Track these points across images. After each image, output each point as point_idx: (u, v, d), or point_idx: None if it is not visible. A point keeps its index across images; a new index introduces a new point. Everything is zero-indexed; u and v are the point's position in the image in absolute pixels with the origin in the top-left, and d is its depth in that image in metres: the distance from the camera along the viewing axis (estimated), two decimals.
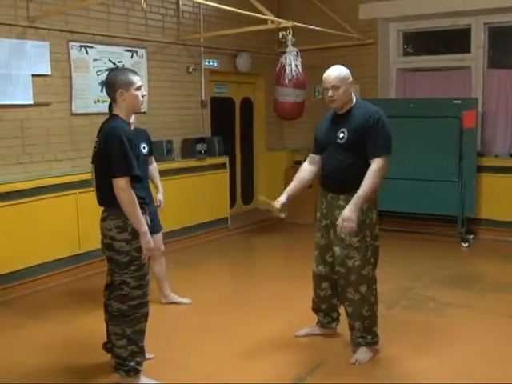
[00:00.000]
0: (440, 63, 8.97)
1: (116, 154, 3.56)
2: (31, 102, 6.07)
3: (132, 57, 7.25)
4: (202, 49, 8.35)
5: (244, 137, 9.88)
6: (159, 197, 5.49)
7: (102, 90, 6.78)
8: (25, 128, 6.03)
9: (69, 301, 5.68)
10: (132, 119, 5.01)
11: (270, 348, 4.50)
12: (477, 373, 4.04)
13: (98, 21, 6.78)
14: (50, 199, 6.00)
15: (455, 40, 9.05)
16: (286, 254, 7.76)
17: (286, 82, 7.83)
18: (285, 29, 7.46)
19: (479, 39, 8.50)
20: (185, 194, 7.65)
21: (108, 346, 4.03)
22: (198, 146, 8.00)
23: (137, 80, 3.76)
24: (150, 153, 5.40)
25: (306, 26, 7.54)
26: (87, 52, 6.69)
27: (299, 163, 9.53)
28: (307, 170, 4.56)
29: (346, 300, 4.28)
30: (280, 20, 6.95)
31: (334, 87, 4.15)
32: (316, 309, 4.65)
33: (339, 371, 4.12)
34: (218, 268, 6.92)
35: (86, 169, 6.09)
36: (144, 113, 7.18)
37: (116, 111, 3.78)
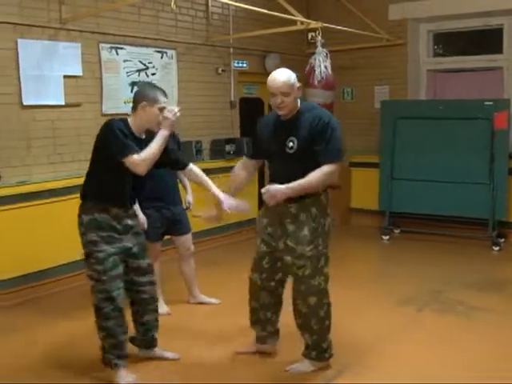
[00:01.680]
0: (471, 64, 8.88)
1: (113, 141, 3.73)
2: (63, 103, 6.15)
3: (162, 58, 7.30)
4: (231, 50, 8.38)
5: None
6: (188, 198, 5.48)
7: (131, 91, 6.84)
8: (56, 128, 6.11)
9: None
10: None
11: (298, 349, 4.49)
12: (504, 378, 3.98)
13: (128, 22, 6.84)
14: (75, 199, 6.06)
15: (487, 40, 8.95)
16: None
17: (315, 83, 7.79)
18: (314, 30, 7.45)
19: None
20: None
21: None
22: (227, 147, 8.02)
23: (163, 101, 3.86)
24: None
25: (335, 26, 7.52)
26: (117, 53, 6.75)
27: None
28: (242, 177, 4.21)
29: (296, 312, 4.08)
30: (309, 21, 6.94)
31: (284, 94, 3.83)
32: (253, 321, 4.37)
33: (366, 373, 4.09)
34: (246, 269, 6.90)
35: None
36: None
37: (130, 118, 3.90)
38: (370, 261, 7.59)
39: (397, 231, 8.60)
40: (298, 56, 9.24)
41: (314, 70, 7.75)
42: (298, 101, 3.96)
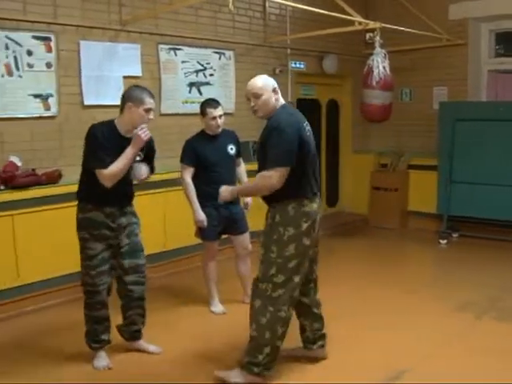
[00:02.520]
0: None
1: (88, 150, 4.04)
2: None
3: (220, 59, 7.35)
4: (289, 50, 8.38)
5: (330, 139, 9.84)
6: (246, 199, 5.49)
7: (190, 92, 6.92)
8: None
9: (155, 295, 5.80)
10: (220, 122, 5.09)
11: (352, 352, 4.46)
12: None
13: (186, 24, 6.92)
14: (140, 196, 6.13)
15: None
16: (368, 258, 7.65)
17: (374, 84, 7.73)
18: (372, 30, 7.38)
19: None
20: None
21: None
22: None
23: (148, 102, 4.01)
24: (238, 154, 5.46)
25: (393, 27, 7.42)
26: (176, 54, 6.83)
27: (385, 166, 9.45)
28: None
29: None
30: (368, 21, 6.87)
31: (255, 95, 3.87)
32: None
33: (422, 380, 4.02)
34: None
35: (172, 168, 6.21)
36: (231, 114, 7.29)
37: (117, 119, 4.08)
38: (427, 265, 7.46)
39: (455, 235, 8.44)
40: (355, 57, 9.18)
41: (372, 71, 7.69)
42: (278, 105, 3.92)
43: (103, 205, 4.06)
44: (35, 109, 5.64)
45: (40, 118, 5.68)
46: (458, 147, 8.19)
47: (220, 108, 5.19)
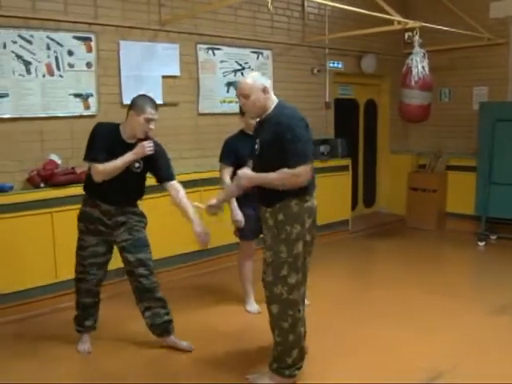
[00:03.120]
0: None
1: (88, 143, 4.23)
2: (161, 102, 6.30)
3: (258, 58, 7.37)
4: (327, 50, 8.36)
5: (367, 139, 9.79)
6: None
7: (228, 91, 6.95)
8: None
9: (190, 294, 5.86)
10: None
11: (391, 352, 4.44)
12: None
13: (225, 23, 6.96)
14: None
15: None
16: (405, 259, 7.57)
17: (412, 83, 7.65)
18: (411, 29, 7.31)
19: None
20: None
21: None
22: (321, 148, 8.00)
23: (149, 112, 4.13)
24: None
25: (433, 26, 7.34)
26: (214, 54, 6.87)
27: (423, 167, 9.36)
28: None
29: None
30: (407, 20, 6.81)
31: (244, 96, 3.83)
32: None
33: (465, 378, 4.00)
34: (336, 270, 6.88)
35: (209, 167, 6.26)
36: None
37: (122, 124, 4.26)
38: (465, 267, 7.37)
39: (493, 237, 8.31)
40: (394, 56, 9.12)
41: (411, 71, 7.62)
42: (273, 104, 3.88)
43: (100, 202, 4.26)
44: (75, 108, 5.73)
45: (80, 116, 5.76)
46: (497, 148, 8.06)
47: None
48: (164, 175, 4.36)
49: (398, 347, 4.54)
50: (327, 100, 8.43)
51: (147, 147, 4.15)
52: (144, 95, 4.32)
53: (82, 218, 4.35)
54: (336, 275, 6.68)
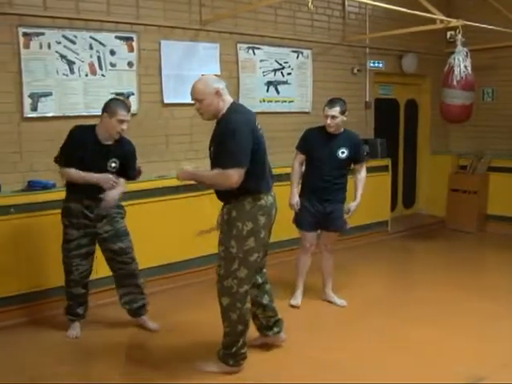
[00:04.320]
0: None
1: (61, 146, 4.59)
2: None
3: (297, 58, 7.36)
4: (367, 50, 8.31)
5: (407, 139, 9.69)
6: (351, 204, 5.41)
7: (267, 90, 6.96)
8: (193, 126, 6.32)
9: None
10: (330, 121, 5.29)
11: (431, 355, 4.39)
12: None
13: (265, 23, 6.97)
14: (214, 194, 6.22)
15: None
16: (445, 261, 7.48)
17: (454, 83, 7.54)
18: (454, 28, 7.21)
19: None
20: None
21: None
22: None
23: (121, 114, 4.45)
24: (356, 160, 5.48)
25: (476, 24, 7.22)
26: (254, 53, 6.88)
27: (464, 168, 9.24)
28: None
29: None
30: (449, 19, 6.73)
31: (197, 100, 3.95)
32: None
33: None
34: (375, 271, 6.84)
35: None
36: (307, 113, 7.31)
37: (97, 126, 4.56)
38: (507, 271, 7.23)
39: None
40: (435, 56, 9.01)
41: (453, 70, 7.51)
42: (225, 106, 3.96)
43: (82, 197, 4.57)
44: None
45: None
46: None
47: (335, 109, 5.26)
48: (131, 175, 4.82)
49: (435, 349, 4.49)
50: (367, 100, 8.38)
51: (110, 183, 4.50)
52: (116, 99, 4.73)
53: (65, 213, 4.65)
54: (375, 276, 6.64)
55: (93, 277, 4.94)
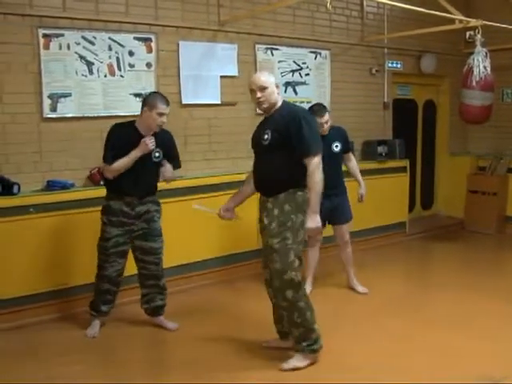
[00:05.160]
0: None
1: (104, 145, 4.63)
2: (219, 102, 6.38)
3: (316, 58, 7.35)
4: (386, 50, 8.28)
5: (426, 140, 9.63)
6: (361, 191, 5.90)
7: (285, 91, 6.95)
8: (212, 126, 6.34)
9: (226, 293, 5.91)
10: (326, 127, 5.57)
11: (449, 359, 4.36)
12: None
13: (283, 23, 6.96)
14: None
15: None
16: (463, 263, 7.42)
17: (474, 84, 7.48)
18: (473, 28, 7.15)
19: None
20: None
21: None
22: (379, 149, 7.92)
23: (161, 107, 4.53)
24: (346, 150, 5.85)
25: (495, 24, 7.15)
26: (272, 54, 6.89)
27: (483, 169, 9.17)
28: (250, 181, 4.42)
29: (276, 307, 4.28)
30: (468, 19, 6.68)
31: (261, 88, 4.06)
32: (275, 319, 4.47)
33: None
34: (392, 272, 6.81)
35: None
36: None
37: (137, 120, 4.64)
38: None
39: None
40: (454, 56, 8.95)
41: (472, 71, 7.45)
42: (280, 101, 4.16)
43: (123, 194, 4.62)
44: (136, 107, 5.79)
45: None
46: None
47: (325, 117, 5.58)
48: (176, 164, 4.90)
49: (452, 351, 4.46)
50: (385, 100, 8.35)
51: (149, 143, 4.53)
52: (155, 92, 4.85)
53: (105, 211, 4.70)
54: (393, 277, 6.61)
55: None
